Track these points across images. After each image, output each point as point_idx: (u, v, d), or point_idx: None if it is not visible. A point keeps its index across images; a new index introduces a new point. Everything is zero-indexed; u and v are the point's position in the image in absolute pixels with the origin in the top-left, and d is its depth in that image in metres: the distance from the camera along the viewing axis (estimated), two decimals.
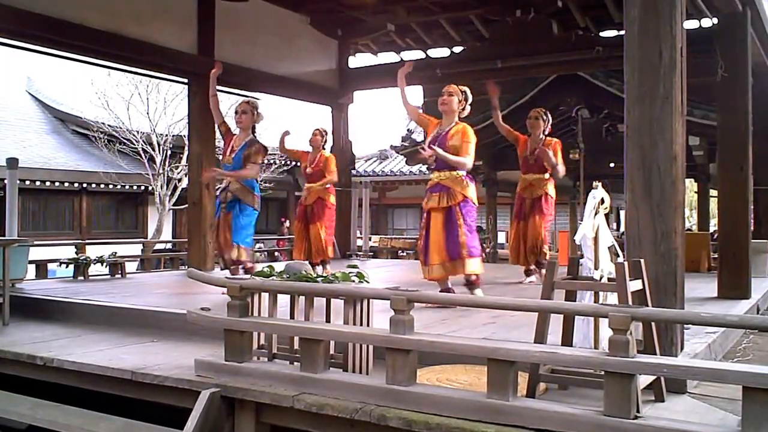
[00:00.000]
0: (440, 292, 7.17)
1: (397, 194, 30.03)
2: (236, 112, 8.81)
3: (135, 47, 10.45)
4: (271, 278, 5.31)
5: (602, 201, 4.57)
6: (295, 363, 4.91)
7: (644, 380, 4.16)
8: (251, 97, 14.66)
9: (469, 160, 7.58)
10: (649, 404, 4.28)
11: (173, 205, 22.06)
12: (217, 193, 8.99)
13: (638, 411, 3.83)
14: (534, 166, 9.66)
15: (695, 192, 21.28)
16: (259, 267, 7.06)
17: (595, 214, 4.54)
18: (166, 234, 23.27)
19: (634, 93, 4.93)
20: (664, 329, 4.66)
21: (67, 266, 11.13)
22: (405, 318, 4.39)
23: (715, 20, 9.12)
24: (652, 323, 4.35)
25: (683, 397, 4.54)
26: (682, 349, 5.00)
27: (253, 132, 8.93)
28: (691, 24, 10.58)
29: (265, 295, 5.22)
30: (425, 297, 4.53)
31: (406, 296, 4.41)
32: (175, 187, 21.89)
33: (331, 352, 4.94)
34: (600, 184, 4.63)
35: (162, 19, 10.86)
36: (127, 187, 23.14)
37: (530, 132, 9.81)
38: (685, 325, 5.19)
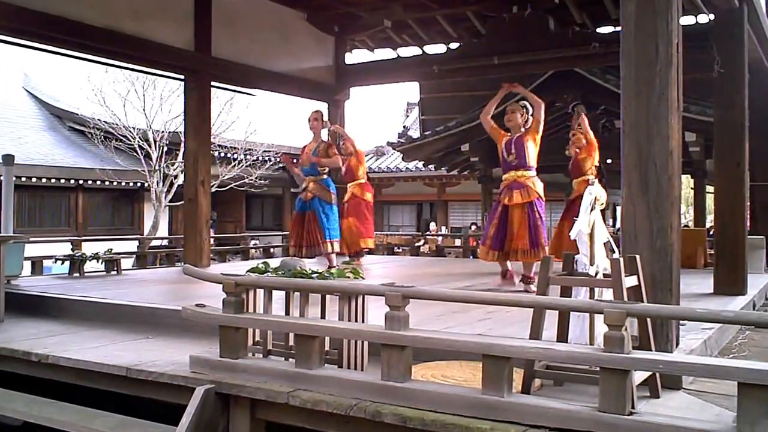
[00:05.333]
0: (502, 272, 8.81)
1: (394, 191, 29.94)
2: (308, 120, 10.21)
3: (132, 44, 10.40)
4: (266, 274, 5.30)
5: (598, 197, 4.57)
6: (291, 359, 4.90)
7: (639, 376, 4.15)
8: (247, 94, 14.73)
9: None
10: (645, 400, 4.27)
11: (169, 201, 21.96)
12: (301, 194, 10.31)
13: (633, 407, 3.82)
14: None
15: (691, 188, 21.23)
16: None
17: (591, 210, 4.53)
18: (162, 231, 23.14)
19: (631, 89, 4.92)
20: (660, 325, 4.66)
21: (62, 263, 11.11)
22: (400, 314, 4.38)
23: (712, 16, 9.10)
24: (648, 319, 4.35)
25: (679, 393, 4.52)
26: (677, 345, 4.99)
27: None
28: (687, 20, 10.57)
29: (260, 292, 5.20)
30: (420, 293, 4.50)
31: (401, 292, 4.39)
32: (171, 184, 21.79)
33: (327, 348, 4.92)
34: (596, 180, 4.63)
35: (159, 16, 10.81)
36: (123, 183, 23.07)
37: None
38: (681, 321, 5.19)
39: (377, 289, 4.63)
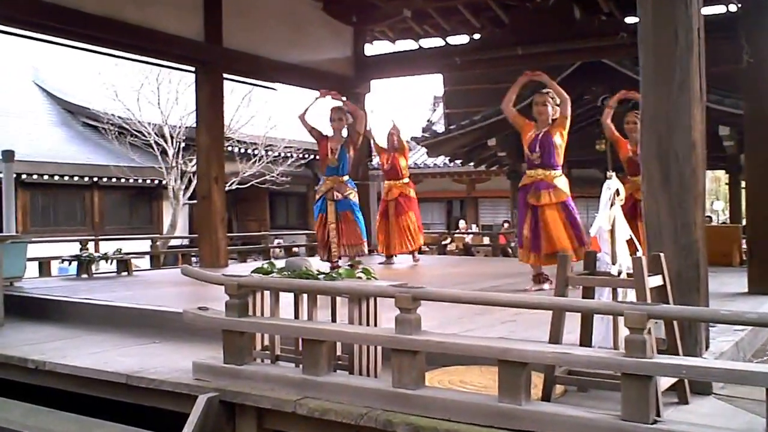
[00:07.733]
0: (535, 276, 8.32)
1: (419, 188, 29.44)
2: (331, 120, 9.93)
3: (140, 34, 10.29)
4: (271, 275, 5.10)
5: (618, 192, 4.36)
6: (300, 365, 4.73)
7: (666, 381, 4.00)
8: (264, 87, 14.52)
9: None
10: (672, 406, 4.12)
11: (188, 199, 21.77)
12: (319, 193, 10.14)
13: (658, 414, 3.68)
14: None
15: (726, 183, 20.95)
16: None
17: (611, 205, 4.33)
18: (182, 229, 23.02)
19: (649, 78, 4.73)
20: (687, 327, 4.44)
21: (69, 264, 10.98)
22: (411, 317, 4.22)
23: (740, 4, 8.86)
24: (674, 321, 4.16)
25: (709, 399, 4.35)
26: (707, 348, 4.79)
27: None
28: (716, 9, 10.37)
29: (266, 294, 5.04)
30: (431, 294, 4.34)
31: (412, 293, 4.22)
32: (190, 181, 21.56)
33: (339, 353, 4.78)
34: (614, 174, 4.42)
35: (167, 5, 10.69)
36: (140, 181, 22.91)
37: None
38: (711, 323, 4.96)
39: (386, 291, 4.45)
